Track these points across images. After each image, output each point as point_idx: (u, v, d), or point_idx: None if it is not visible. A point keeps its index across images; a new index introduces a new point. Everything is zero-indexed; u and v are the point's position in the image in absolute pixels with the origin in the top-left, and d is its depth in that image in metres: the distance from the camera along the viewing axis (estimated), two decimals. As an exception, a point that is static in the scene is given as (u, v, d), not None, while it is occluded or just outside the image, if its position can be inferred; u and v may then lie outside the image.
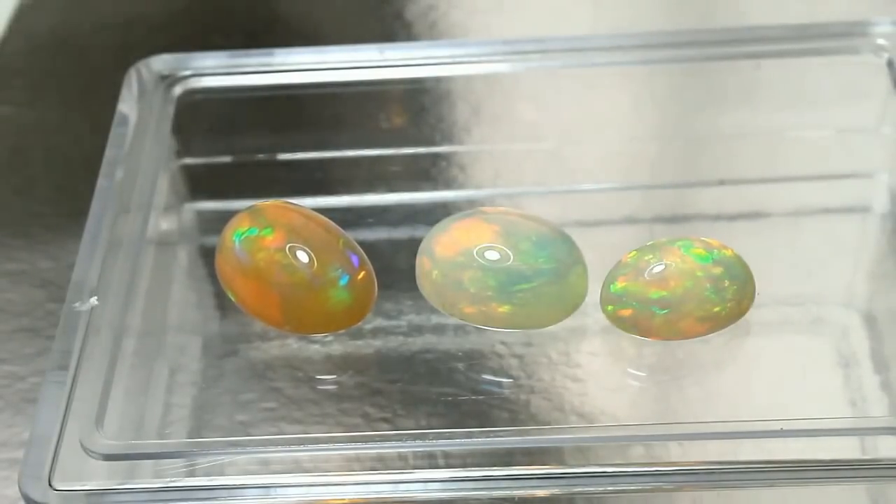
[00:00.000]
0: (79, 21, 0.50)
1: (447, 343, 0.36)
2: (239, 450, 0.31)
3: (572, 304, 0.34)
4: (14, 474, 0.34)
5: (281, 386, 0.36)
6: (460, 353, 0.36)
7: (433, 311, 0.36)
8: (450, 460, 0.31)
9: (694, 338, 0.34)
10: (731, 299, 0.34)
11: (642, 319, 0.34)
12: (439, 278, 0.34)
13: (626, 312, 0.34)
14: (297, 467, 0.31)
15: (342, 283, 0.34)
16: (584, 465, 0.30)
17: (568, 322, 0.35)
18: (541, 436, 0.32)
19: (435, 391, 0.35)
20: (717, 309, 0.34)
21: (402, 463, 0.31)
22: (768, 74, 0.40)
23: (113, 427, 0.32)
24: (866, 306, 0.37)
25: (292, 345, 0.36)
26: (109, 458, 0.31)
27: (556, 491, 0.30)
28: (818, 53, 0.40)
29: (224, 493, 0.30)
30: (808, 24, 0.40)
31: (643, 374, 0.35)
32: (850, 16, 0.40)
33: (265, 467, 0.31)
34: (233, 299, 0.35)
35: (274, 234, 0.34)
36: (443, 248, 0.34)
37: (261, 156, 0.41)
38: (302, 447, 0.32)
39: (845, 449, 0.31)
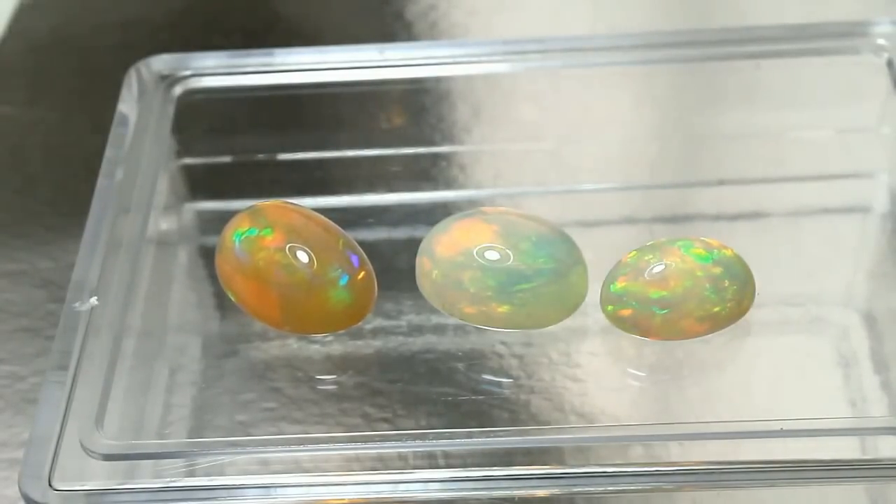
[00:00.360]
0: (79, 21, 0.50)
1: (447, 343, 0.36)
2: (239, 450, 0.31)
3: (572, 304, 0.34)
4: (14, 474, 0.34)
5: (281, 386, 0.36)
6: (460, 353, 0.36)
7: (433, 311, 0.36)
8: (450, 460, 0.31)
9: (694, 338, 0.34)
10: (731, 299, 0.34)
11: (642, 319, 0.34)
12: (439, 278, 0.34)
13: (626, 312, 0.34)
14: (297, 467, 0.31)
15: (342, 283, 0.34)
16: (584, 465, 0.30)
17: (568, 322, 0.35)
18: (541, 436, 0.32)
19: (435, 391, 0.35)
20: (717, 309, 0.34)
21: (402, 463, 0.31)
22: (768, 74, 0.40)
23: (113, 427, 0.32)
24: (866, 306, 0.37)
25: (292, 345, 0.36)
26: (109, 458, 0.31)
27: (556, 491, 0.30)
28: (818, 53, 0.40)
29: (224, 493, 0.30)
30: (808, 24, 0.40)
31: (643, 374, 0.35)
32: (850, 16, 0.40)
33: (265, 467, 0.31)
34: (233, 299, 0.35)
35: (274, 234, 0.34)
36: (443, 248, 0.34)
37: (261, 156, 0.41)
38: (302, 447, 0.32)
39: (845, 449, 0.31)
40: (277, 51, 0.41)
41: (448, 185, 0.41)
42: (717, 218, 0.40)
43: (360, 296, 0.35)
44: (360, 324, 0.35)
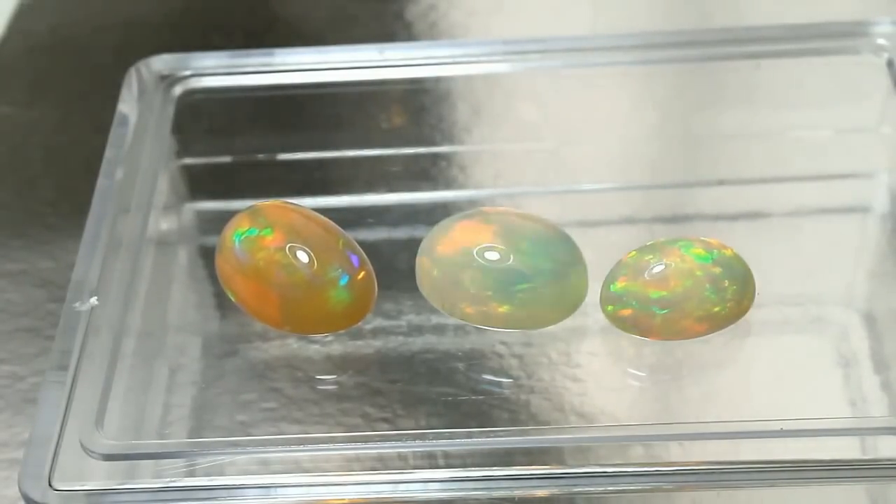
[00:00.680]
0: (79, 21, 0.50)
1: (447, 343, 0.36)
2: (239, 450, 0.31)
3: (572, 304, 0.34)
4: (14, 474, 0.34)
5: (281, 386, 0.36)
6: (460, 353, 0.36)
7: (433, 311, 0.36)
8: (450, 460, 0.31)
9: (694, 338, 0.34)
10: (731, 299, 0.34)
11: (642, 319, 0.34)
12: (439, 278, 0.34)
13: (626, 312, 0.34)
14: (297, 467, 0.31)
15: (342, 283, 0.34)
16: (584, 465, 0.30)
17: (568, 322, 0.35)
18: (541, 436, 0.32)
19: (435, 391, 0.35)
20: (717, 309, 0.34)
21: (402, 463, 0.31)
22: (768, 74, 0.40)
23: (113, 427, 0.32)
24: (866, 306, 0.37)
25: (292, 345, 0.36)
26: (109, 458, 0.31)
27: (556, 491, 0.30)
28: (818, 53, 0.40)
29: (224, 493, 0.30)
30: (808, 24, 0.40)
31: (643, 374, 0.35)
32: (850, 16, 0.40)
33: (265, 467, 0.31)
34: (233, 299, 0.35)
35: (274, 234, 0.34)
36: (443, 248, 0.34)
37: (261, 156, 0.41)
38: (302, 447, 0.32)
39: (845, 449, 0.31)
40: (277, 51, 0.41)
41: (448, 185, 0.41)
42: (717, 218, 0.40)
43: (359, 296, 0.35)
44: (360, 324, 0.35)
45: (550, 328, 0.35)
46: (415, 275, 0.35)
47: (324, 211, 0.35)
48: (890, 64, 0.39)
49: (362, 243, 0.35)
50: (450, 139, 0.42)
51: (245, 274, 0.34)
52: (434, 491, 0.30)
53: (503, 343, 0.36)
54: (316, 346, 0.36)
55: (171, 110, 0.40)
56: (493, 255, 0.34)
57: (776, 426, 0.31)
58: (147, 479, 0.31)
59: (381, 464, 0.31)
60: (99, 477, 0.31)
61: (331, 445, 0.32)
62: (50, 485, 0.30)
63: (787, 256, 0.38)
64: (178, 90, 0.40)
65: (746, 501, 0.32)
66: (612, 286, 0.34)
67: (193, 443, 0.33)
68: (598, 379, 0.36)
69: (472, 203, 0.41)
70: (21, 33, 0.49)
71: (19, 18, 0.49)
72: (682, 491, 0.31)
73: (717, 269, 0.34)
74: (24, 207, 0.43)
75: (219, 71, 0.40)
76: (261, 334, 0.36)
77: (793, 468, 0.30)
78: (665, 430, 0.32)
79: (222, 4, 0.50)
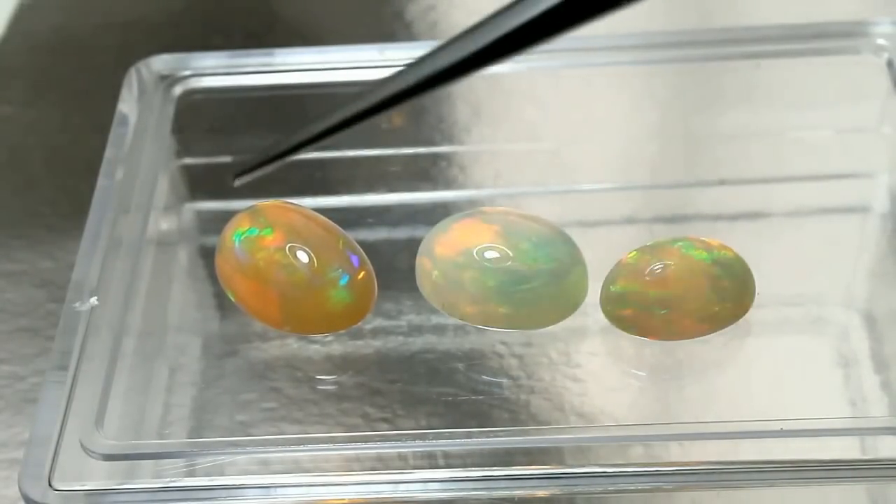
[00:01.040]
0: (79, 21, 0.50)
1: (447, 343, 0.36)
2: (239, 450, 0.31)
3: (572, 305, 0.34)
4: (14, 474, 0.34)
5: (281, 386, 0.36)
6: (460, 353, 0.36)
7: (433, 311, 0.36)
8: (450, 460, 0.31)
9: (694, 338, 0.34)
10: (731, 299, 0.34)
11: (642, 319, 0.34)
12: (439, 278, 0.34)
13: (626, 312, 0.34)
14: (297, 467, 0.31)
15: (342, 283, 0.34)
16: (584, 465, 0.30)
17: (568, 322, 0.35)
18: (541, 436, 0.32)
19: (435, 391, 0.35)
20: (717, 309, 0.34)
21: (402, 463, 0.31)
22: (768, 74, 0.40)
23: (113, 427, 0.32)
24: (866, 306, 0.37)
25: (292, 345, 0.36)
26: (109, 458, 0.31)
27: (556, 491, 0.30)
28: (818, 53, 0.40)
29: (224, 493, 0.30)
30: (808, 24, 0.40)
31: (643, 374, 0.35)
32: (850, 16, 0.40)
33: (265, 467, 0.31)
34: (232, 299, 0.35)
35: (274, 234, 0.34)
36: (443, 248, 0.34)
37: (261, 156, 0.41)
38: (302, 447, 0.32)
39: (845, 449, 0.31)
40: (277, 51, 0.41)
41: (448, 185, 0.41)
42: (717, 218, 0.40)
43: (359, 296, 0.35)
44: (359, 324, 0.35)
45: (550, 328, 0.35)
46: (415, 275, 0.35)
47: (324, 211, 0.35)
48: (890, 64, 0.39)
49: (362, 243, 0.35)
50: (450, 139, 0.42)
51: (245, 274, 0.34)
52: (434, 491, 0.30)
53: (503, 343, 0.36)
54: (316, 346, 0.36)
55: (171, 110, 0.40)
56: (493, 256, 0.34)
57: (776, 426, 0.31)
58: (147, 479, 0.31)
59: (381, 464, 0.31)
60: (99, 477, 0.31)
61: (331, 445, 0.32)
62: (50, 485, 0.30)
63: (787, 256, 0.38)
64: (178, 90, 0.40)
65: (746, 501, 0.32)
66: (612, 286, 0.34)
67: (193, 443, 0.33)
68: (598, 379, 0.36)
69: (472, 203, 0.41)
70: (21, 33, 0.49)
71: (20, 18, 0.49)
72: (682, 491, 0.31)
73: (717, 269, 0.34)
74: (24, 207, 0.43)
75: (219, 71, 0.40)
76: (261, 334, 0.36)
77: (793, 468, 0.30)
78: (665, 430, 0.32)
79: (222, 4, 0.50)
